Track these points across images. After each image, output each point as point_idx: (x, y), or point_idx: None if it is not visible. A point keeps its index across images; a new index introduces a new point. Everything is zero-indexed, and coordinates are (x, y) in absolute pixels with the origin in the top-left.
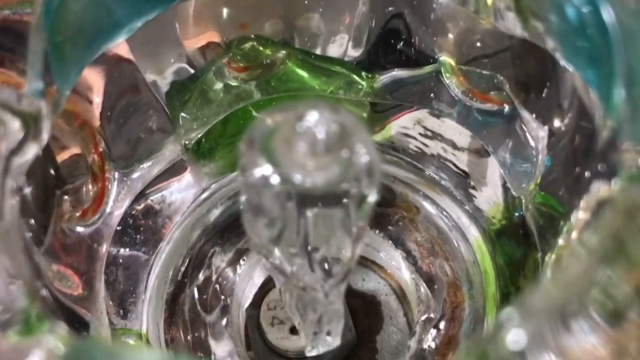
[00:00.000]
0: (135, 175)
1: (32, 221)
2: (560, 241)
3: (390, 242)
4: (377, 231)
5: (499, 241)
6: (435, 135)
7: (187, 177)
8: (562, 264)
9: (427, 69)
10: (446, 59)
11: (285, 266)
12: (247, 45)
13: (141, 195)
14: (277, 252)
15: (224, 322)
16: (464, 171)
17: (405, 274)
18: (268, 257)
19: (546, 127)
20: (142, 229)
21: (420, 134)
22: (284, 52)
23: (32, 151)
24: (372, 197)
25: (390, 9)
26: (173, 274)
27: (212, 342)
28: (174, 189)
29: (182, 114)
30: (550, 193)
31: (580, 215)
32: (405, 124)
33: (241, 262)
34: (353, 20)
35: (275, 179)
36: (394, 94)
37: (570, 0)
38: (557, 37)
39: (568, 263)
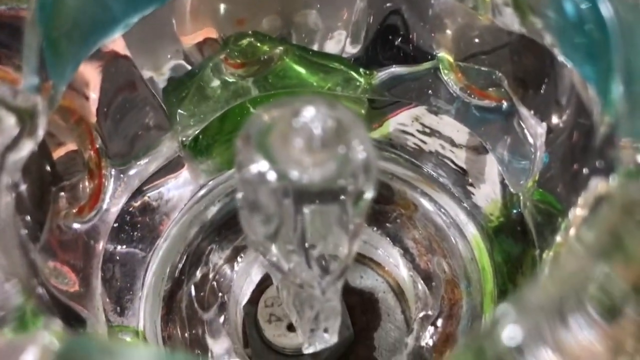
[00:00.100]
0: (132, 172)
1: (28, 218)
2: (558, 238)
3: (388, 239)
4: (375, 228)
5: (496, 238)
6: (433, 132)
7: (184, 174)
8: (560, 260)
9: (425, 65)
10: (444, 55)
11: (282, 263)
12: (245, 41)
13: (138, 192)
14: (274, 249)
15: (221, 319)
16: (462, 168)
17: (403, 271)
18: (265, 254)
19: (544, 124)
20: (139, 225)
21: (418, 130)
22: (281, 48)
23: (27, 147)
24: (369, 194)
25: (388, 5)
26: (170, 271)
27: (209, 340)
28: (171, 186)
29: (179, 111)
30: (548, 190)
31: (578, 212)
32: (403, 121)
33: (238, 259)
34: (351, 16)
35: (271, 175)
36: (391, 90)
37: None
38: (555, 32)
39: (565, 259)
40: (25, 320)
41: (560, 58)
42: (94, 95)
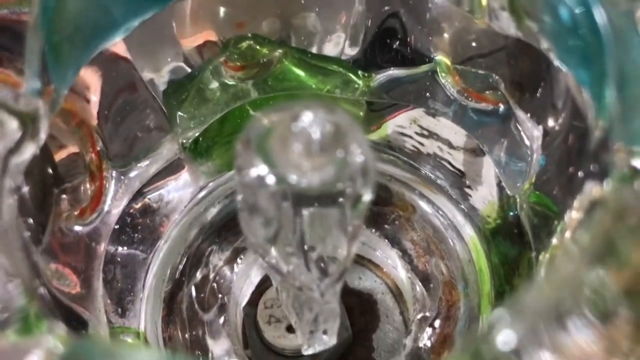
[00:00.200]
0: (132, 174)
1: (31, 220)
2: (554, 240)
3: (387, 240)
4: (374, 230)
5: (493, 240)
6: (431, 134)
7: (184, 176)
8: (555, 263)
9: (423, 68)
10: (442, 58)
11: (281, 265)
12: (244, 44)
13: (139, 194)
14: (273, 251)
15: (221, 320)
16: (459, 170)
17: (401, 272)
18: (264, 256)
19: (541, 127)
20: (139, 227)
21: (416, 133)
22: (280, 51)
23: (29, 150)
24: (367, 197)
25: (386, 8)
26: (171, 272)
27: (209, 341)
28: (172, 188)
29: (179, 113)
30: (545, 192)
31: (573, 215)
32: (401, 123)
33: (238, 260)
34: (349, 19)
35: (270, 179)
36: (390, 93)
37: (563, 1)
38: (550, 37)
39: (561, 262)
40: (29, 323)
41: (556, 62)
42: (94, 98)
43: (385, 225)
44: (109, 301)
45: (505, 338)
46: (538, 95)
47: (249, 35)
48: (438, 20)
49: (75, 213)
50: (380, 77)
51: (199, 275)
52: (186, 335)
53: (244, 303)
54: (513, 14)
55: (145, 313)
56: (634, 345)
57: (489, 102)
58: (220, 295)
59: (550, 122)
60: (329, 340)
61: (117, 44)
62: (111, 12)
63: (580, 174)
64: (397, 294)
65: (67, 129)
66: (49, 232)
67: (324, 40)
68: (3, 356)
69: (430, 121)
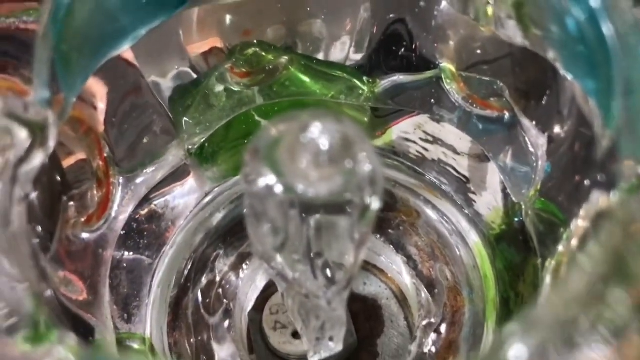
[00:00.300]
0: (139, 180)
1: (39, 228)
2: (561, 248)
3: (391, 246)
4: (378, 235)
5: (498, 246)
6: (435, 140)
7: (190, 181)
8: (564, 276)
9: (428, 74)
10: (447, 65)
11: (287, 272)
12: (250, 50)
13: (145, 200)
14: (279, 258)
15: (226, 325)
16: (464, 176)
17: (406, 278)
18: (270, 263)
19: (546, 134)
20: (146, 233)
21: (421, 138)
22: (286, 57)
23: (39, 159)
24: (376, 206)
25: (391, 15)
26: (177, 277)
27: (215, 346)
28: (177, 194)
29: (185, 119)
30: (551, 199)
31: (580, 223)
32: (406, 129)
33: (244, 266)
34: (355, 25)
35: (279, 189)
36: (395, 99)
37: (570, 11)
38: (557, 46)
39: (570, 276)
40: (40, 332)
41: (562, 71)
42: (101, 105)
43: (390, 231)
44: (115, 307)
45: (516, 353)
46: (543, 102)
47: (255, 42)
48: (444, 28)
49: (82, 220)
50: (385, 83)
51: (204, 280)
52: (192, 341)
53: (249, 308)
54: (520, 23)
55: (151, 318)
56: None
57: (493, 109)
58: (225, 301)
59: (556, 129)
60: (335, 347)
61: (124, 52)
62: (119, 21)
63: (586, 182)
64: (401, 299)
65: (75, 136)
66: (56, 240)
67: (330, 46)
68: None
69: (435, 127)
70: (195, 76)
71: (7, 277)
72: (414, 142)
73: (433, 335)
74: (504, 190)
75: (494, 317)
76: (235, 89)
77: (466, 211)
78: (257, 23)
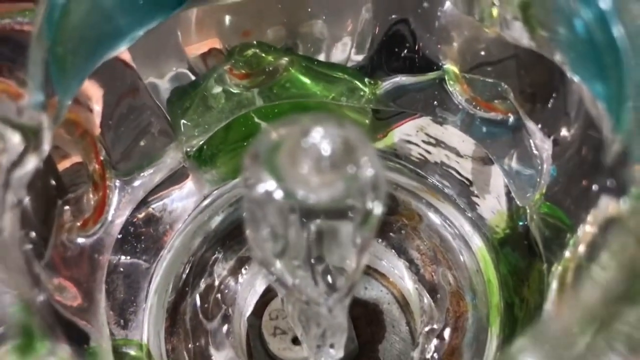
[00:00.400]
0: (136, 183)
1: (33, 234)
2: (567, 253)
3: (393, 250)
4: (380, 239)
5: (502, 250)
6: (438, 143)
7: (188, 184)
8: (572, 284)
9: (431, 76)
10: (450, 66)
11: (287, 278)
12: (250, 52)
13: (142, 204)
14: (278, 264)
15: (225, 331)
16: (467, 179)
17: (407, 282)
18: (269, 269)
19: (552, 137)
20: (143, 237)
21: (423, 141)
22: (286, 59)
23: (32, 163)
24: (378, 211)
25: (393, 16)
26: (174, 282)
27: (213, 351)
28: (175, 197)
29: (183, 121)
30: (557, 204)
31: (587, 229)
32: (408, 131)
33: (243, 270)
34: (356, 26)
35: (279, 194)
36: (396, 100)
37: (578, 13)
38: (564, 48)
39: (582, 288)
40: (30, 343)
41: (569, 74)
42: (97, 107)
43: (392, 235)
44: (111, 312)
45: None
46: (549, 105)
47: (254, 42)
48: (447, 29)
49: (78, 224)
50: (387, 84)
51: (202, 285)
52: (189, 346)
53: (248, 313)
54: (526, 24)
55: (148, 324)
56: None
57: (498, 112)
58: (224, 306)
59: (563, 132)
60: (336, 354)
61: (121, 53)
62: (116, 22)
63: (594, 187)
64: (403, 304)
65: (70, 139)
66: (51, 246)
67: (331, 47)
68: None
69: (437, 129)
70: (193, 78)
71: None
72: (416, 145)
73: (435, 341)
74: (508, 193)
75: (497, 323)
76: (235, 91)
77: (469, 215)
78: (256, 24)
